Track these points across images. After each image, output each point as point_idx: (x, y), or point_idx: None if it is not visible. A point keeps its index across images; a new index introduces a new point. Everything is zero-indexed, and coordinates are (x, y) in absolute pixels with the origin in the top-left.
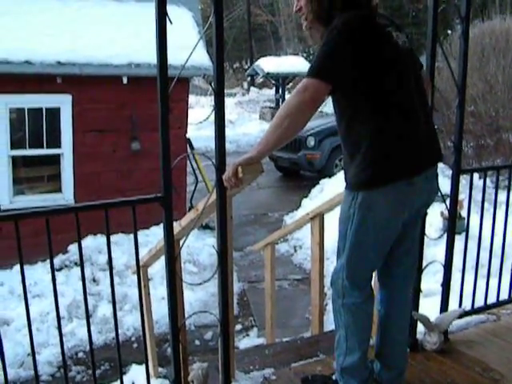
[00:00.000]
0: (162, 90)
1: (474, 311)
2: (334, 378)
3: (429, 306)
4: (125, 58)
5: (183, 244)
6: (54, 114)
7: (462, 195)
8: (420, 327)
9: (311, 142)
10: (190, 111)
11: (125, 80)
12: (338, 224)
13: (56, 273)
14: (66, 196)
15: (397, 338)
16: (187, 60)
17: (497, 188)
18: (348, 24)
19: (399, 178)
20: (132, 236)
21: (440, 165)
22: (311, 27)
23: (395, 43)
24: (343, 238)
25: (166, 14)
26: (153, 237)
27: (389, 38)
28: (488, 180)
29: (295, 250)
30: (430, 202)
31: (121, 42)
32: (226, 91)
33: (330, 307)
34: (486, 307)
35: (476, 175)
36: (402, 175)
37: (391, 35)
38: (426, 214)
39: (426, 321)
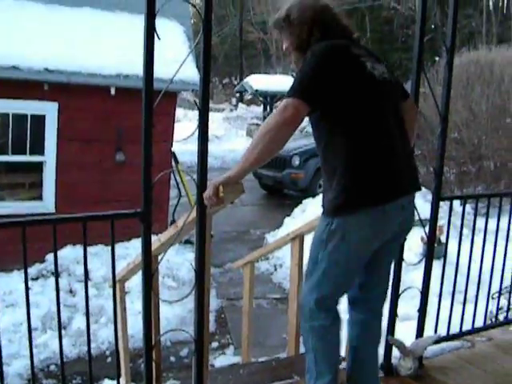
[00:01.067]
0: (147, 105)
1: (449, 337)
2: None
3: (405, 331)
4: (114, 69)
5: (161, 260)
6: (39, 121)
7: (443, 221)
8: (395, 352)
9: (296, 161)
10: (177, 124)
11: (113, 91)
12: (310, 247)
13: (32, 282)
14: (47, 204)
15: (368, 362)
16: (174, 75)
17: (475, 216)
18: (322, 50)
19: (372, 205)
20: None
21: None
22: (297, 60)
23: (369, 73)
24: (314, 263)
25: (155, 30)
26: (132, 250)
27: (362, 67)
28: (469, 206)
29: (275, 269)
30: (408, 229)
31: (110, 52)
32: (214, 106)
33: None
34: (462, 334)
35: (457, 201)
36: (375, 202)
37: (365, 65)
38: (404, 239)
39: (401, 346)
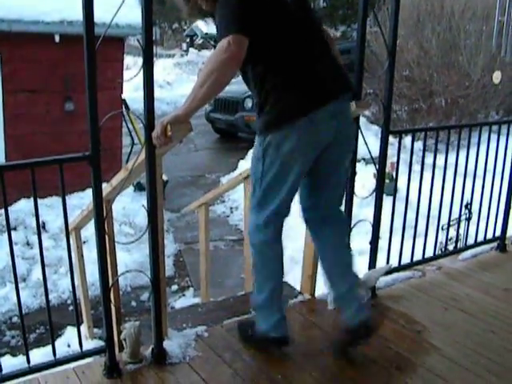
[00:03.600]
0: (89, 46)
1: (400, 268)
2: None
3: (360, 265)
4: (57, 15)
5: (112, 202)
6: None
7: (395, 158)
8: None
9: (249, 103)
10: (127, 72)
11: (57, 38)
12: (251, 169)
13: None
14: None
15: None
16: (114, 16)
17: (424, 150)
18: None
19: (296, 117)
20: (66, 199)
21: (373, 127)
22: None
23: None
24: (255, 180)
25: None
26: (87, 199)
27: None
28: (420, 143)
29: (231, 211)
30: (347, 138)
31: None
32: (164, 52)
33: None
34: (412, 264)
35: (408, 138)
36: (298, 113)
37: None
38: (354, 172)
39: None
